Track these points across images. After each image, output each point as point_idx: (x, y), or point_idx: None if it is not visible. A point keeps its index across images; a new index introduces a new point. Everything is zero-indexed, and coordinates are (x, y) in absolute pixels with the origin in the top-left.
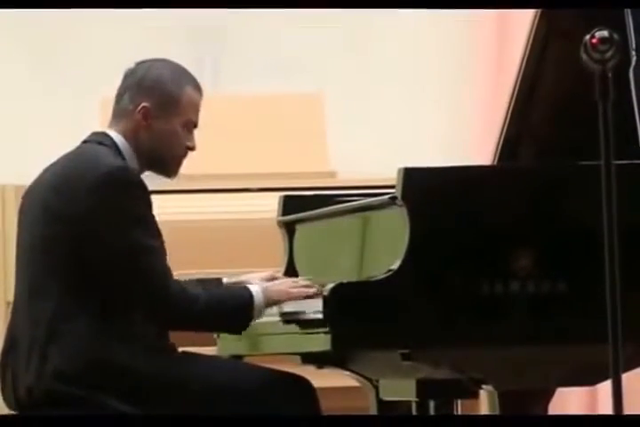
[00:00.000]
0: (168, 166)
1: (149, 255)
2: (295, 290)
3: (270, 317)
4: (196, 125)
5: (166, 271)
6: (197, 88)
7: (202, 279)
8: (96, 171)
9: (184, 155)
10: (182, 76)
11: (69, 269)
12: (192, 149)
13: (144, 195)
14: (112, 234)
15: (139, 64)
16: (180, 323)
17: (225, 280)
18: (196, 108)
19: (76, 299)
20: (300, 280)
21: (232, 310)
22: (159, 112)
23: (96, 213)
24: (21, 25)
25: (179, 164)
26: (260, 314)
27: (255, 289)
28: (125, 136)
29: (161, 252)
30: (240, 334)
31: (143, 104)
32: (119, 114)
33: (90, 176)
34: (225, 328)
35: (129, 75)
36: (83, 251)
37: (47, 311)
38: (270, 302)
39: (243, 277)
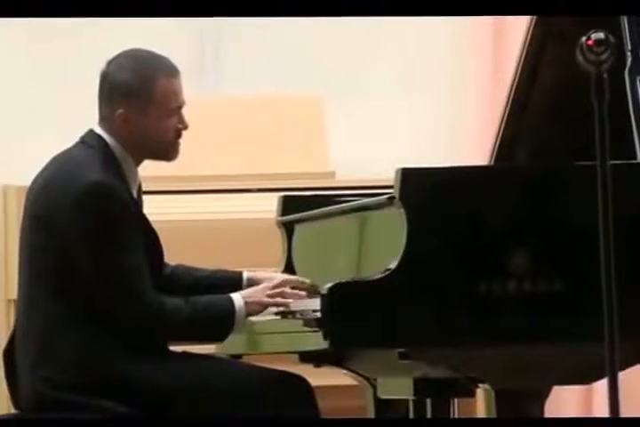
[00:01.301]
0: (163, 154)
1: (120, 274)
2: (270, 300)
3: (268, 316)
4: (181, 106)
5: (138, 288)
6: (169, 72)
7: (219, 270)
8: (75, 186)
9: (177, 137)
10: (149, 67)
11: (58, 279)
12: (184, 128)
13: (119, 210)
14: (86, 252)
15: (108, 65)
16: (157, 336)
17: (245, 275)
18: (174, 93)
19: (67, 306)
20: (270, 285)
21: (214, 323)
22: (137, 113)
23: (73, 229)
24: (22, 29)
25: (174, 147)
26: (242, 325)
27: (238, 302)
28: (114, 137)
29: (134, 268)
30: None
31: (119, 111)
32: (103, 117)
33: (70, 191)
34: (205, 340)
35: (102, 79)
36: (69, 263)
37: (38, 319)
38: (250, 314)
39: (263, 275)
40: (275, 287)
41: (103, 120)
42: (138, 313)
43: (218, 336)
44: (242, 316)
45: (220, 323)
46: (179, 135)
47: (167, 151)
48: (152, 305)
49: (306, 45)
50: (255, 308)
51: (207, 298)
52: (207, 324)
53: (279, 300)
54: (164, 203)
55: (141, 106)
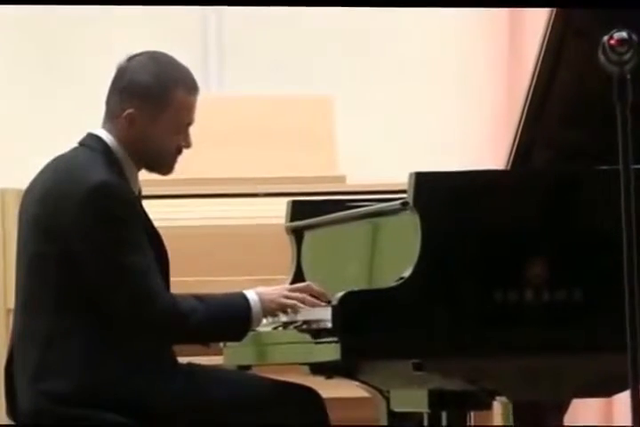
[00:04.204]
0: (160, 166)
1: (132, 275)
2: (288, 301)
3: (276, 325)
4: (190, 124)
5: (151, 289)
6: (189, 87)
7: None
8: (80, 188)
9: (176, 154)
10: (171, 76)
11: (61, 287)
12: (186, 147)
13: (127, 210)
14: (94, 254)
15: (129, 60)
16: (173, 338)
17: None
18: (188, 109)
19: (69, 316)
20: (291, 286)
21: (230, 322)
22: (146, 117)
23: (79, 231)
24: (23, 30)
25: (171, 163)
26: (259, 323)
27: (253, 298)
28: (116, 137)
29: (145, 269)
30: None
31: (129, 111)
32: (109, 116)
33: (74, 193)
34: (221, 339)
35: (118, 75)
36: (72, 268)
37: (41, 329)
38: (266, 312)
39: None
40: (296, 291)
41: (108, 116)
42: (152, 314)
43: (235, 336)
44: (258, 313)
45: (237, 321)
46: (179, 152)
47: (163, 164)
48: (166, 305)
49: (315, 45)
50: (270, 306)
51: (221, 296)
52: (223, 323)
53: (297, 304)
54: (167, 207)
55: (153, 112)
